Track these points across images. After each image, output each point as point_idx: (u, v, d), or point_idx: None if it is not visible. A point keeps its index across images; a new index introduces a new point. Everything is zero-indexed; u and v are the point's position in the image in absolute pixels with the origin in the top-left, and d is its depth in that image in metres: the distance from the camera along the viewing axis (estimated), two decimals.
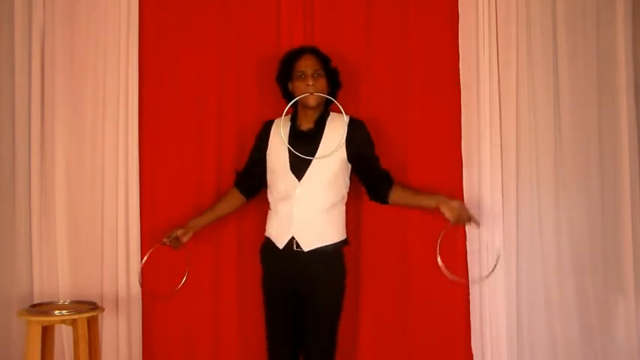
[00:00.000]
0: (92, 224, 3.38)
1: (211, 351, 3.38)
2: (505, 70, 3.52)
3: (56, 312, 2.96)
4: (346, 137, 3.03)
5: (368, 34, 3.48)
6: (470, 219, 3.12)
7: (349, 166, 3.11)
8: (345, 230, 3.09)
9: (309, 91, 3.01)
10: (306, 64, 3.05)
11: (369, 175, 3.16)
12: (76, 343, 2.96)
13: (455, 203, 3.09)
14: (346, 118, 3.08)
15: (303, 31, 3.45)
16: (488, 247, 3.49)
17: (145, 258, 3.18)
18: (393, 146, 3.46)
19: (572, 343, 3.55)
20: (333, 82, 3.14)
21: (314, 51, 3.12)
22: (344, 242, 3.08)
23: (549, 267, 3.56)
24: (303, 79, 3.03)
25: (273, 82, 3.34)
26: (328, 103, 3.12)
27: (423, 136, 3.48)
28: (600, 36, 3.63)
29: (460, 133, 3.51)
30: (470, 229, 3.47)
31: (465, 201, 3.48)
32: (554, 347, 3.56)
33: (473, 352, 3.47)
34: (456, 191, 3.48)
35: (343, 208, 3.09)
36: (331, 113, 3.13)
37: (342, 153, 3.05)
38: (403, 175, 3.44)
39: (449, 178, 3.49)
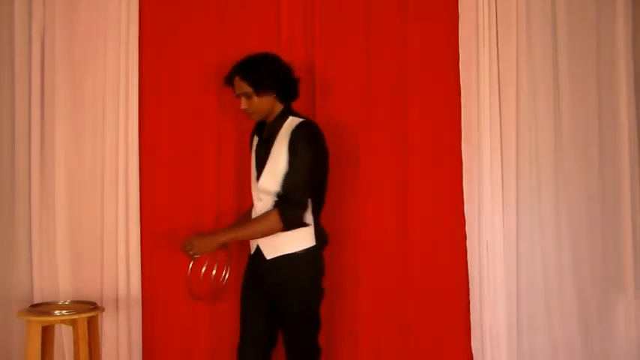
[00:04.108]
0: (92, 224, 3.37)
1: (211, 351, 3.38)
2: (505, 69, 3.54)
3: (56, 312, 2.95)
4: (288, 143, 2.86)
5: (368, 35, 3.48)
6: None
7: None
8: (311, 237, 2.91)
9: (245, 112, 2.99)
10: (236, 89, 2.97)
11: (280, 185, 2.87)
12: (75, 343, 2.95)
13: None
14: (298, 122, 2.93)
15: (303, 33, 3.45)
16: (488, 246, 3.50)
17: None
18: (393, 147, 3.47)
19: (572, 344, 3.56)
20: (277, 86, 2.94)
21: (239, 72, 2.95)
22: (312, 248, 2.92)
23: (549, 267, 3.57)
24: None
25: None
26: (287, 108, 3.00)
27: (423, 136, 3.48)
28: (600, 36, 3.64)
29: (460, 133, 3.51)
30: (470, 228, 3.48)
31: (465, 201, 3.49)
32: (554, 347, 3.56)
33: (473, 352, 3.47)
34: (456, 191, 3.49)
35: (307, 215, 2.91)
36: (291, 117, 2.96)
37: (285, 158, 2.87)
38: (404, 175, 3.46)
39: (449, 179, 3.50)
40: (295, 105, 3.38)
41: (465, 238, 3.49)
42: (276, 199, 2.85)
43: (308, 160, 2.84)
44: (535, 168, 3.57)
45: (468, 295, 3.48)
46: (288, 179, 2.83)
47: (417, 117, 3.49)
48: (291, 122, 2.93)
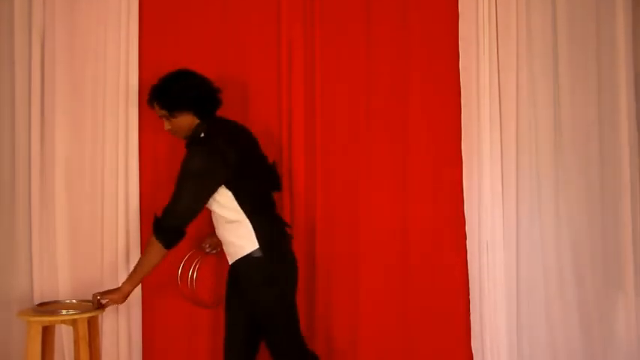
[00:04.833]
0: (92, 224, 3.37)
1: (211, 351, 3.37)
2: (505, 69, 3.54)
3: (57, 312, 2.95)
4: None
5: (368, 34, 3.48)
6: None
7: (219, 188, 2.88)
8: (252, 239, 2.86)
9: (170, 133, 3.02)
10: (157, 112, 2.99)
11: None
12: (76, 343, 2.94)
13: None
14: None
15: (303, 33, 3.44)
16: (488, 246, 3.50)
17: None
18: (393, 146, 3.47)
19: (572, 343, 3.56)
20: (190, 104, 2.93)
21: (153, 96, 2.98)
22: (258, 250, 2.87)
23: (549, 267, 3.57)
24: None
25: (270, 87, 3.40)
26: (202, 122, 2.96)
27: (423, 136, 3.48)
28: (600, 36, 3.64)
29: (460, 133, 3.51)
30: (470, 228, 3.49)
31: (465, 201, 3.49)
32: (554, 347, 3.56)
33: (473, 352, 3.47)
34: (456, 191, 3.49)
35: (245, 223, 2.88)
36: (202, 135, 2.93)
37: None
38: (404, 175, 3.46)
39: (449, 178, 3.50)
40: (296, 104, 3.40)
41: (465, 238, 3.49)
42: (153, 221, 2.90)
43: (184, 182, 2.85)
44: (535, 168, 3.57)
45: (468, 295, 3.48)
46: (171, 198, 2.88)
47: (417, 117, 3.49)
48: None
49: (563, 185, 3.59)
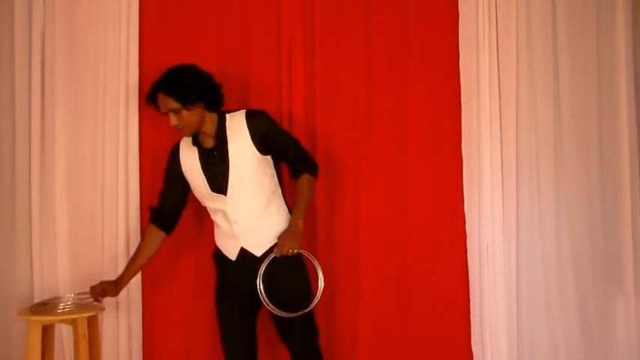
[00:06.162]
0: (92, 224, 3.36)
1: (211, 351, 3.37)
2: (505, 69, 3.53)
3: (57, 311, 2.94)
4: (248, 131, 2.91)
5: (368, 35, 3.48)
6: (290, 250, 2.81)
7: (266, 157, 2.95)
8: (289, 216, 2.95)
9: (175, 129, 2.94)
10: (161, 107, 2.91)
11: (285, 160, 2.99)
12: (76, 342, 2.94)
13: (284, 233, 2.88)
14: (242, 113, 2.96)
15: (303, 33, 3.44)
16: (488, 246, 3.50)
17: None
18: (393, 146, 3.47)
19: (572, 343, 3.56)
20: (203, 95, 2.90)
21: (162, 89, 2.89)
22: None
23: (549, 267, 3.57)
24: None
25: (271, 85, 3.40)
26: (221, 113, 2.98)
27: (424, 136, 3.49)
28: (600, 35, 3.64)
29: (460, 133, 3.51)
30: (470, 228, 3.48)
31: (465, 201, 3.49)
32: (554, 347, 3.56)
33: (473, 352, 3.47)
34: (456, 191, 3.49)
35: (280, 198, 2.97)
36: (227, 116, 2.97)
37: (251, 148, 2.90)
38: (404, 175, 3.46)
39: (449, 178, 3.50)
40: (295, 104, 3.40)
41: (465, 238, 3.49)
42: (293, 165, 2.97)
43: (282, 131, 3.06)
44: (535, 168, 3.57)
45: (468, 295, 3.48)
46: (288, 147, 2.98)
47: (417, 117, 3.49)
48: (234, 117, 2.96)
49: (563, 185, 3.59)
